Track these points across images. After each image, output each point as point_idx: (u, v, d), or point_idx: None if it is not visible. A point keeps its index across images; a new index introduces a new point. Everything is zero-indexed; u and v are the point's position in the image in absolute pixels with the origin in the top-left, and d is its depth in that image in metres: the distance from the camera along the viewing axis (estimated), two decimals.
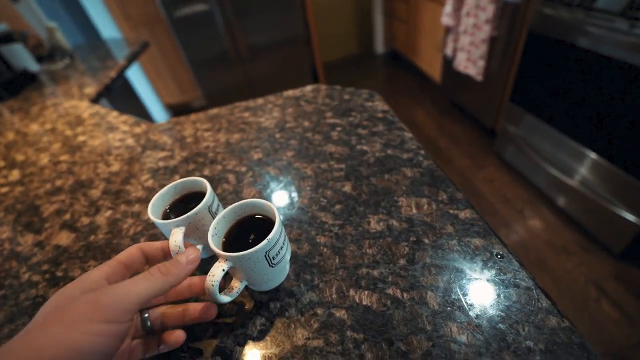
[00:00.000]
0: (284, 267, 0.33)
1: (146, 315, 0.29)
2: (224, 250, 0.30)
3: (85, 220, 0.48)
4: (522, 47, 1.41)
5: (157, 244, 0.30)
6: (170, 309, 0.30)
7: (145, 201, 0.49)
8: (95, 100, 0.95)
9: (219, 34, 2.14)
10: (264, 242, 0.28)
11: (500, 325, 0.26)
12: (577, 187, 1.30)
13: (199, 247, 0.32)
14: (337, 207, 0.41)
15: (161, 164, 0.57)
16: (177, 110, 2.88)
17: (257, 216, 0.33)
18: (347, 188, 0.43)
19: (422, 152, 0.46)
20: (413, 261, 0.33)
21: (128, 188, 0.53)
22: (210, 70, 2.30)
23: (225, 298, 0.29)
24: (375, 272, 0.32)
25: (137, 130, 0.70)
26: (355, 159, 0.48)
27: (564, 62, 1.23)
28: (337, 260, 0.34)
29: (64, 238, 0.46)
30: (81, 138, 0.73)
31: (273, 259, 0.29)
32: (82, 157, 0.65)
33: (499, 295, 0.28)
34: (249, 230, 0.32)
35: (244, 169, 0.51)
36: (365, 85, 2.79)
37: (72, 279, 0.39)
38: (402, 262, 0.33)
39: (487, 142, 1.90)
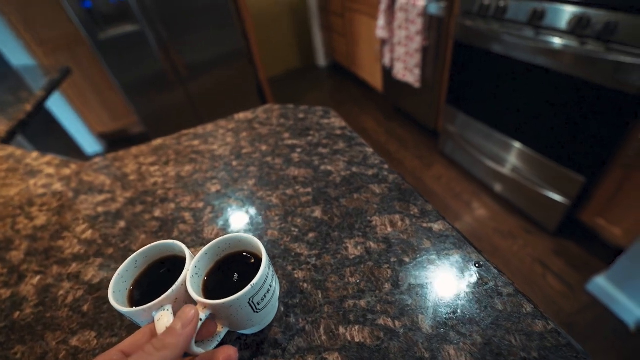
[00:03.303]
0: (272, 308, 0.30)
1: None
2: (205, 292, 0.27)
3: (4, 292, 0.40)
4: (450, 55, 1.55)
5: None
6: None
7: (84, 258, 0.42)
8: (6, 140, 0.81)
9: (153, 55, 2.01)
10: (248, 288, 0.25)
11: (494, 339, 0.26)
12: (511, 175, 1.45)
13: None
14: (311, 235, 0.39)
15: (100, 209, 0.50)
16: (112, 139, 2.63)
17: (242, 253, 0.30)
18: (318, 213, 0.41)
19: (386, 166, 0.47)
20: (398, 284, 0.32)
21: (60, 244, 0.45)
22: (146, 93, 2.14)
23: (199, 349, 0.25)
24: (363, 303, 0.31)
25: (66, 171, 0.61)
26: (321, 180, 0.47)
27: (486, 67, 1.37)
28: (320, 296, 0.32)
29: None
30: None
31: (258, 304, 0.26)
32: None
33: (485, 307, 0.28)
34: (232, 268, 0.29)
35: (201, 204, 0.47)
36: (312, 97, 2.84)
37: None
38: (387, 286, 0.32)
39: (432, 142, 2.03)
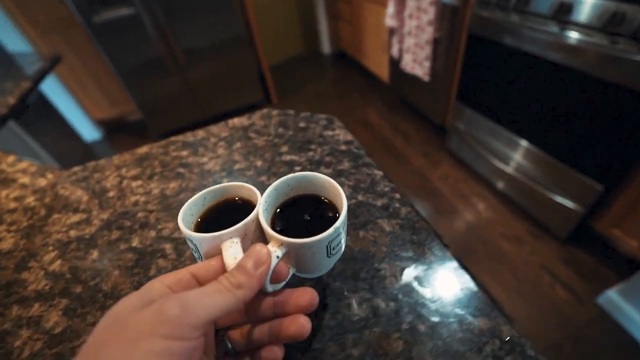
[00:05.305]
0: (339, 255, 0.28)
1: (224, 336, 0.25)
2: (273, 229, 0.25)
3: None
4: (463, 47, 1.45)
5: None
6: (255, 327, 0.25)
7: (48, 297, 0.37)
8: None
9: (149, 40, 1.92)
10: (331, 230, 0.23)
11: None
12: (521, 179, 1.38)
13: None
14: (308, 285, 0.33)
15: (73, 233, 0.44)
16: (111, 126, 2.56)
17: (312, 196, 0.29)
18: None
19: (397, 195, 0.40)
20: None
21: (25, 277, 0.39)
22: (143, 80, 2.06)
23: (272, 287, 0.25)
24: None
25: (42, 182, 0.55)
26: None
27: (503, 62, 1.27)
28: None
29: None
30: None
31: (333, 249, 0.25)
32: None
33: None
34: (301, 208, 0.29)
35: None
36: (315, 87, 2.74)
37: None
38: None
39: (439, 139, 1.95)
